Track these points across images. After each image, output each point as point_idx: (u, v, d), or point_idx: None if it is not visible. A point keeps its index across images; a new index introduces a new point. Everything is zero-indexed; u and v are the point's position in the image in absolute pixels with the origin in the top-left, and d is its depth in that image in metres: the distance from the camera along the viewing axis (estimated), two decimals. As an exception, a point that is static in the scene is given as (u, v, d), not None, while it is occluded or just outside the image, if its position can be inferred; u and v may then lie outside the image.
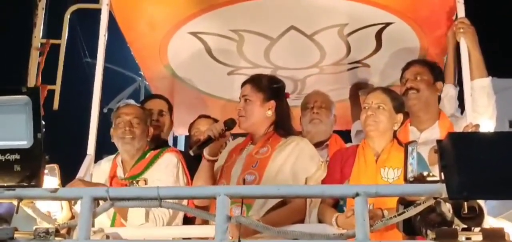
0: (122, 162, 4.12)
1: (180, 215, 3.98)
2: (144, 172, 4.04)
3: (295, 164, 3.71)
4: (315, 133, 4.64)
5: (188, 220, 4.04)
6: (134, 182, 3.99)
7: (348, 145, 4.55)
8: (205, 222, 3.55)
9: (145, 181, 3.98)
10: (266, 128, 3.85)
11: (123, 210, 3.78)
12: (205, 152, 3.71)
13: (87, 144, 4.15)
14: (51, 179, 3.07)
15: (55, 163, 3.20)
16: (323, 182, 3.77)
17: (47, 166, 2.78)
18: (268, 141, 3.81)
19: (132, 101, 4.44)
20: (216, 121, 4.87)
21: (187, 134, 5.34)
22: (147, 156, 4.12)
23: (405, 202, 2.54)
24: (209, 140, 3.67)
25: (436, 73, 4.46)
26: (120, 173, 4.09)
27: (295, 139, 3.83)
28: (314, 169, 3.74)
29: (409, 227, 2.55)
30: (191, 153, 3.74)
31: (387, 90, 3.97)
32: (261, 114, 3.84)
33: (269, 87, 3.90)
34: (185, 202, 3.60)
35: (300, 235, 2.48)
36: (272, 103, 3.85)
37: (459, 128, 4.08)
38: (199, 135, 4.80)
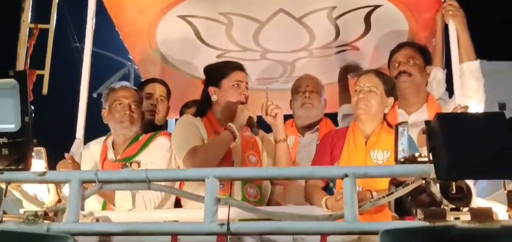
0: (113, 144, 4.10)
1: (172, 199, 3.97)
2: (137, 154, 4.01)
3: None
4: (306, 117, 4.65)
5: (180, 203, 4.04)
6: (127, 164, 3.96)
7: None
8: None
9: (138, 164, 3.94)
10: None
11: (110, 196, 3.78)
12: (236, 126, 3.78)
13: (75, 128, 4.13)
14: (37, 162, 3.05)
15: (43, 146, 3.18)
16: (313, 164, 3.79)
17: (33, 149, 2.76)
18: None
19: (128, 84, 4.39)
20: None
21: (178, 117, 5.32)
22: (140, 138, 4.09)
23: (397, 183, 2.55)
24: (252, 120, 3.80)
25: (427, 57, 4.47)
26: (111, 155, 4.06)
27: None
28: None
29: (400, 207, 2.56)
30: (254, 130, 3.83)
31: (379, 73, 3.97)
32: None
33: None
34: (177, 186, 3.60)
35: (289, 216, 2.48)
36: None
37: (447, 111, 4.08)
38: None
